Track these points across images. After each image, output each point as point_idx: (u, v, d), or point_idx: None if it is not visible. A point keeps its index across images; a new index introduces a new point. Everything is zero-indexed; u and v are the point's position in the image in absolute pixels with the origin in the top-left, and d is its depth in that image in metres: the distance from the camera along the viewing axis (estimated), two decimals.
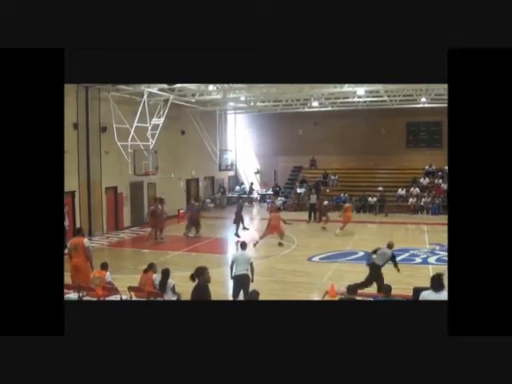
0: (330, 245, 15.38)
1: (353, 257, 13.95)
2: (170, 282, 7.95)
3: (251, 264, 8.67)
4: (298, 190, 26.14)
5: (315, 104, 23.74)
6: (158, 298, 7.69)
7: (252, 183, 28.98)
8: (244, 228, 17.46)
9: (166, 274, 7.99)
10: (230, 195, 28.06)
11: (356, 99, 22.48)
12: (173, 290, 7.88)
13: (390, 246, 9.84)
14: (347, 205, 19.25)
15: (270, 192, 27.40)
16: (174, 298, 7.79)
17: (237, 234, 16.63)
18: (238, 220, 17.12)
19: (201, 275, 6.37)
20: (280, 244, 15.25)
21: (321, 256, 13.94)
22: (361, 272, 11.92)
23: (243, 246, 9.23)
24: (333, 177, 26.83)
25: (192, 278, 6.43)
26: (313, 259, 13.61)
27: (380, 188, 24.21)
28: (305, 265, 12.94)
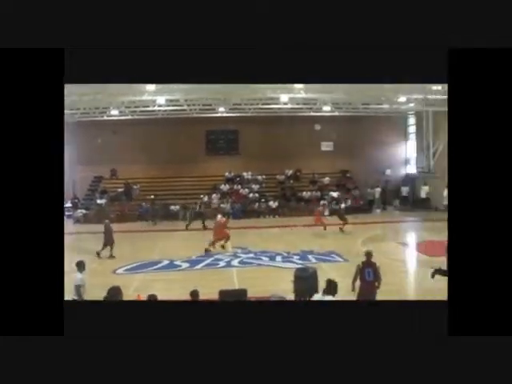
0: (136, 255, 15.02)
1: (157, 266, 13.90)
2: None
3: (76, 287, 8.16)
4: (99, 201, 25.42)
5: (114, 112, 23.02)
6: None
7: None
8: (111, 255, 15.14)
9: None
10: None
11: (156, 108, 22.24)
12: None
13: None
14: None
15: (69, 204, 25.43)
16: None
17: (98, 254, 15.03)
18: (110, 242, 15.27)
19: (114, 297, 6.25)
20: (222, 247, 15.76)
21: (126, 268, 13.69)
22: (166, 280, 12.11)
23: (78, 265, 8.50)
24: (135, 186, 26.35)
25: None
26: (118, 271, 13.31)
27: (152, 196, 24.44)
28: (110, 277, 12.30)
